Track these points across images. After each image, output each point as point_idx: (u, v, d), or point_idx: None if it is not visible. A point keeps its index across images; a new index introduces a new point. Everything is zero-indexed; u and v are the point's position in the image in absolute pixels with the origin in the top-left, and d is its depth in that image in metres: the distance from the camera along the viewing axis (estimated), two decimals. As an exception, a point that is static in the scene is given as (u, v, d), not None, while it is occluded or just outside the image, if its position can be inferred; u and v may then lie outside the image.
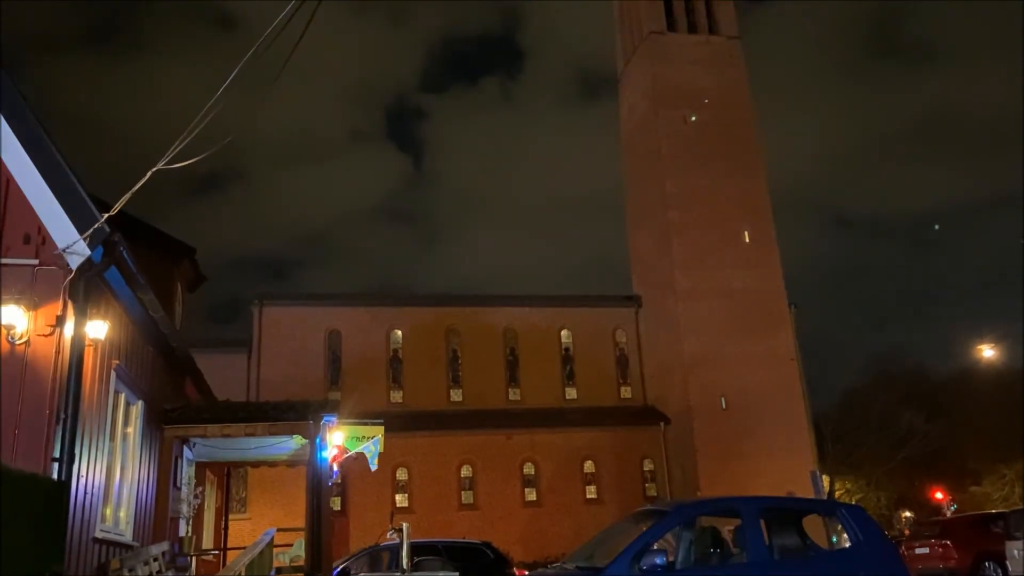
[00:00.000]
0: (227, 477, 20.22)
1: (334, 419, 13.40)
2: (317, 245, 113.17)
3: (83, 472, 8.19)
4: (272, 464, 17.36)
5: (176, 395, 14.21)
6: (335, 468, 15.64)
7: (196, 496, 14.75)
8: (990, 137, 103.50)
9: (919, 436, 37.02)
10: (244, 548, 16.52)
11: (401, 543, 9.43)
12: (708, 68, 36.15)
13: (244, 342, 32.63)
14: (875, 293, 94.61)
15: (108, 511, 9.62)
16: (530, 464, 32.28)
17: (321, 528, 12.30)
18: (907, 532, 37.00)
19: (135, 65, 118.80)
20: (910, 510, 47.62)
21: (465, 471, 31.78)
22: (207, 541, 18.17)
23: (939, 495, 42.38)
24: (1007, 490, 40.62)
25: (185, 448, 14.70)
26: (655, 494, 32.70)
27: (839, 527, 7.24)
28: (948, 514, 38.68)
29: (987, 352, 24.42)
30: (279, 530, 16.18)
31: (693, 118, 34.92)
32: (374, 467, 15.66)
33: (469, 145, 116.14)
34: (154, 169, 6.58)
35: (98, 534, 8.90)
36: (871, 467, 38.86)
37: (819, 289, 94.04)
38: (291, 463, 16.68)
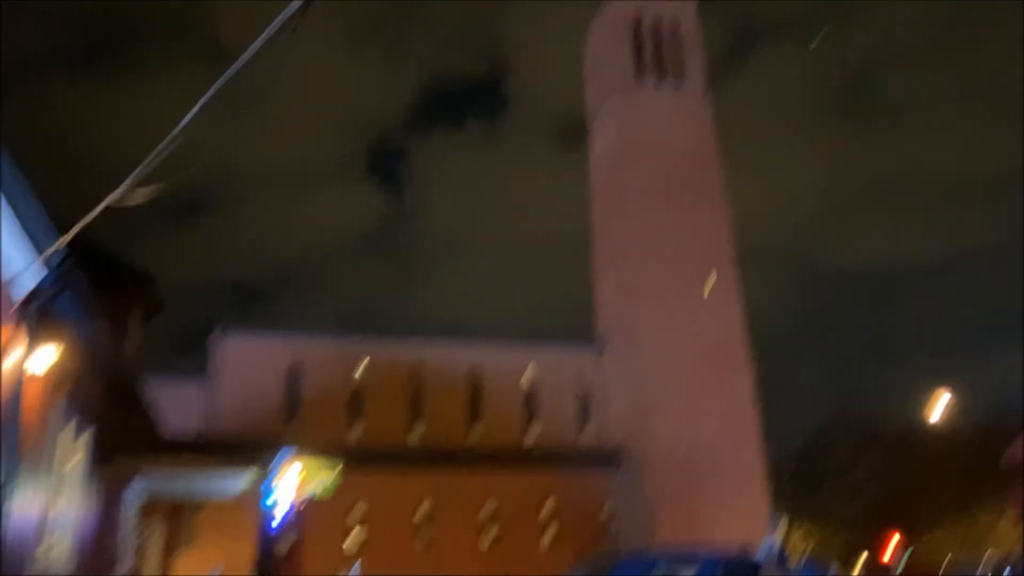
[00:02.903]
0: (175, 514, 19.63)
1: (288, 457, 13.14)
2: (293, 276, 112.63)
3: (19, 508, 7.89)
4: (221, 501, 16.94)
5: (125, 427, 13.83)
6: (287, 506, 15.28)
7: (140, 533, 14.30)
8: (951, 196, 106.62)
9: (876, 483, 37.30)
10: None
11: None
12: (676, 119, 36.83)
13: (204, 372, 32.01)
14: (838, 342, 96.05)
15: (45, 549, 9.26)
16: (489, 505, 31.86)
17: (270, 568, 11.97)
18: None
19: (125, 89, 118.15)
20: (867, 555, 47.85)
21: (423, 510, 31.26)
22: (152, 579, 17.57)
23: (894, 541, 42.65)
24: (960, 538, 41.07)
25: (133, 484, 14.29)
26: (613, 538, 32.42)
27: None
28: (902, 564, 38.98)
29: (941, 403, 24.77)
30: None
31: (660, 166, 35.43)
32: (324, 495, 15.26)
33: (450, 184, 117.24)
34: (105, 203, 6.44)
35: (34, 573, 8.56)
36: (829, 513, 39.04)
37: (783, 337, 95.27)
38: (241, 500, 16.28)
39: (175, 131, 6.62)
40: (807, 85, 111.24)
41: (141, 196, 7.17)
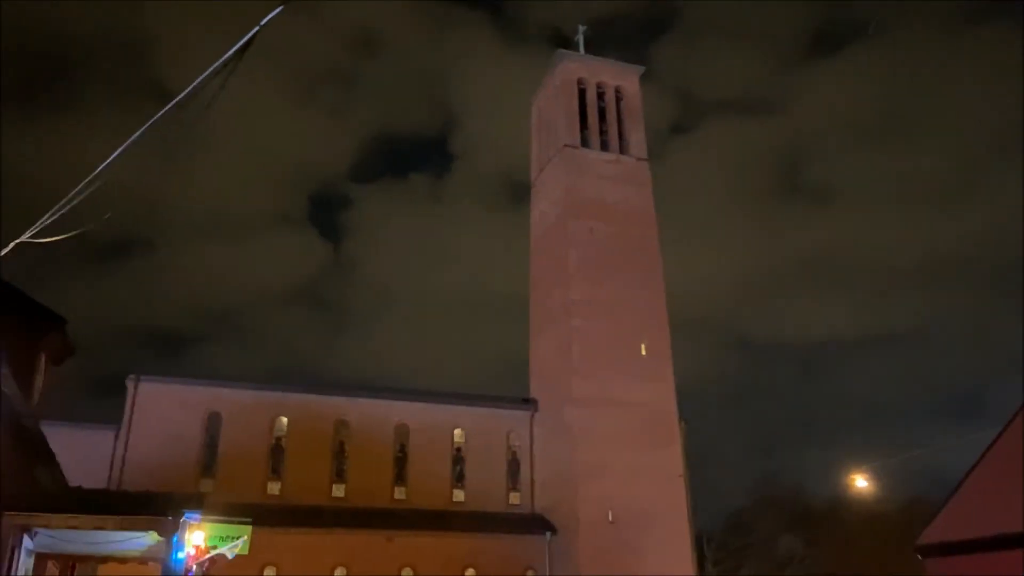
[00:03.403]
0: (72, 570, 18.35)
1: (197, 516, 12.41)
2: (221, 323, 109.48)
3: None
4: (123, 560, 15.90)
5: (22, 478, 12.92)
6: (192, 569, 14.40)
7: (30, 593, 13.25)
8: (878, 279, 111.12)
9: (797, 561, 37.55)
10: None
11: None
12: (617, 184, 37.59)
13: (115, 420, 30.52)
14: (765, 415, 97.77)
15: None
16: (409, 569, 30.83)
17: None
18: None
19: (58, 127, 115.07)
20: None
21: (339, 572, 30.05)
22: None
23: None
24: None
25: (25, 537, 13.30)
26: (536, 608, 31.69)
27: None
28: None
29: (860, 482, 25.11)
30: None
31: (599, 230, 35.96)
32: (231, 556, 14.40)
33: (391, 237, 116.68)
34: (16, 242, 6.04)
35: None
36: (751, 589, 39.07)
37: (712, 408, 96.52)
38: (144, 560, 15.31)
39: (95, 172, 6.28)
40: (745, 162, 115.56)
41: (55, 235, 6.78)
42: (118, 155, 6.27)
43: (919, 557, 21.95)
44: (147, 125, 5.82)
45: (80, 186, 6.46)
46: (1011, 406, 23.63)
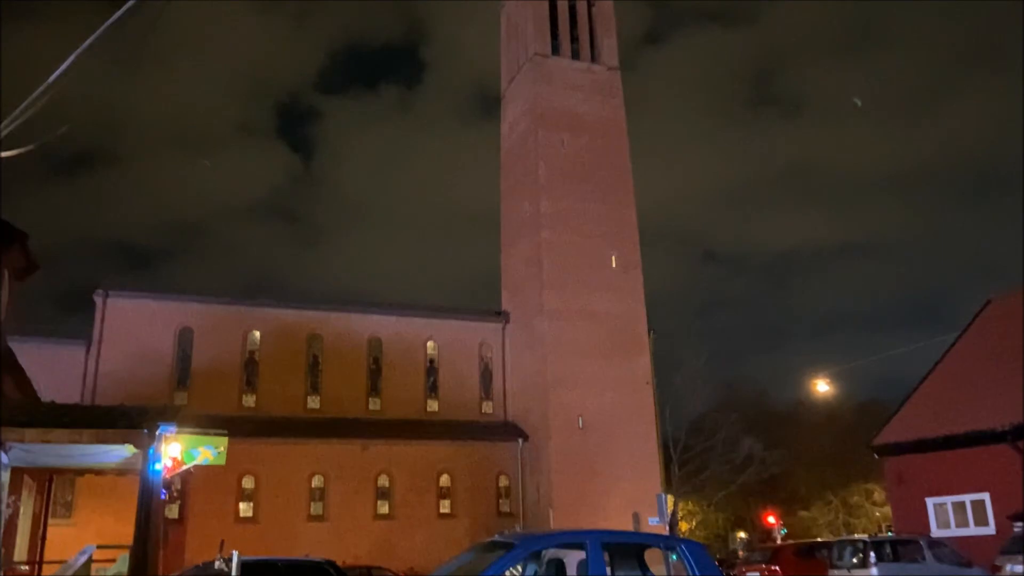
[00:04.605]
0: (49, 483, 18.62)
1: (172, 428, 12.55)
2: (189, 238, 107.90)
3: None
4: (99, 472, 16.14)
5: (-7, 393, 12.94)
6: (170, 481, 14.69)
7: (8, 505, 13.45)
8: (846, 189, 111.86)
9: (757, 462, 39.09)
10: (64, 561, 15.23)
11: (229, 573, 8.85)
12: (588, 94, 37.04)
13: (85, 335, 30.36)
14: (733, 324, 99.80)
15: None
16: (385, 476, 31.70)
17: (147, 547, 11.47)
18: (741, 553, 39.05)
19: (14, 33, 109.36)
20: (745, 532, 50.37)
21: (316, 482, 30.80)
22: (20, 552, 16.63)
23: (771, 519, 45.04)
24: (832, 515, 43.69)
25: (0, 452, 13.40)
26: (508, 510, 32.88)
27: (679, 562, 7.43)
28: (779, 539, 41.12)
29: (821, 386, 25.98)
30: (100, 547, 15.02)
31: (569, 141, 35.64)
32: (213, 464, 14.54)
33: (361, 149, 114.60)
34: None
35: None
36: (713, 490, 40.73)
37: (680, 317, 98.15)
38: (121, 472, 15.54)
39: (48, 81, 6.10)
40: (718, 73, 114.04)
41: (10, 150, 6.60)
42: (69, 63, 6.08)
43: (875, 456, 23.06)
44: (96, 34, 5.64)
45: (32, 97, 6.28)
46: (969, 314, 24.49)
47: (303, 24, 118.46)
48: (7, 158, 6.57)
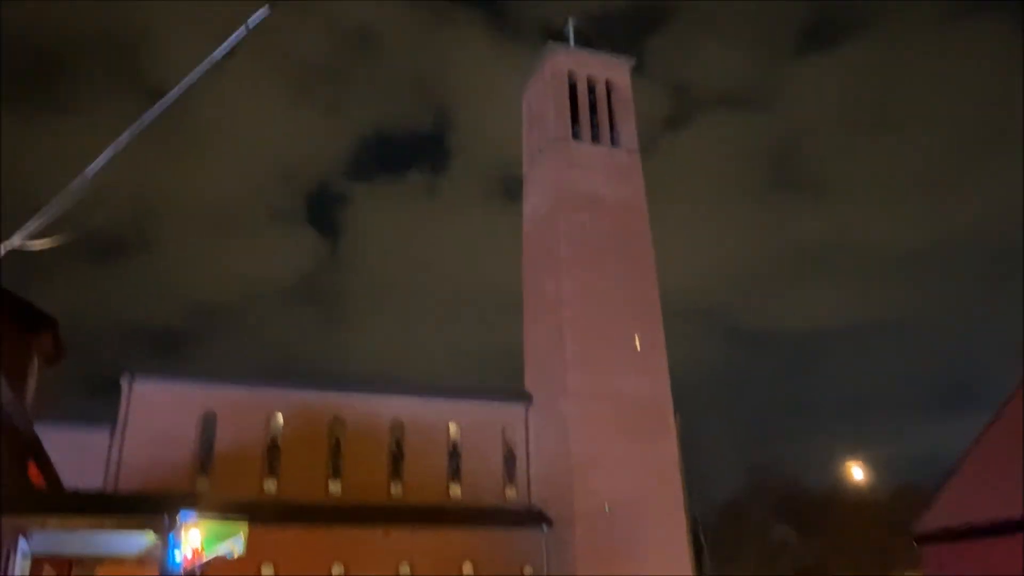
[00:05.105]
0: (68, 572, 18.33)
1: (193, 514, 12.39)
2: (217, 321, 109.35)
3: None
4: (120, 561, 15.88)
5: (17, 479, 12.90)
6: (192, 566, 14.39)
7: (27, 595, 13.23)
8: (871, 267, 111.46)
9: (791, 549, 37.77)
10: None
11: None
12: (609, 176, 37.59)
13: (110, 419, 30.44)
14: (758, 403, 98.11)
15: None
16: (406, 564, 30.89)
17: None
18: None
19: (51, 127, 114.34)
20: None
21: (336, 569, 30.07)
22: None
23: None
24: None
25: (21, 540, 13.27)
26: (534, 600, 31.78)
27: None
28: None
29: (856, 472, 25.30)
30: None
31: (591, 222, 35.98)
32: (238, 554, 14.31)
33: (388, 233, 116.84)
34: (7, 249, 6.00)
35: None
36: (746, 578, 39.28)
37: (705, 398, 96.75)
38: (142, 560, 15.29)
39: (84, 173, 6.25)
40: (738, 156, 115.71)
41: (47, 241, 6.74)
42: (107, 156, 6.25)
43: (916, 544, 22.10)
44: (134, 126, 5.81)
45: (70, 187, 6.44)
46: (1001, 394, 23.81)
47: (334, 114, 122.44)
48: (40, 248, 6.70)
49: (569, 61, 39.35)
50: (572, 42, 40.59)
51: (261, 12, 5.33)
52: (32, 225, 6.29)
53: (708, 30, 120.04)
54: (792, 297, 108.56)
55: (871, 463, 29.59)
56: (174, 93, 5.13)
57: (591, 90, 39.43)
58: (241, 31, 5.05)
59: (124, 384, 30.62)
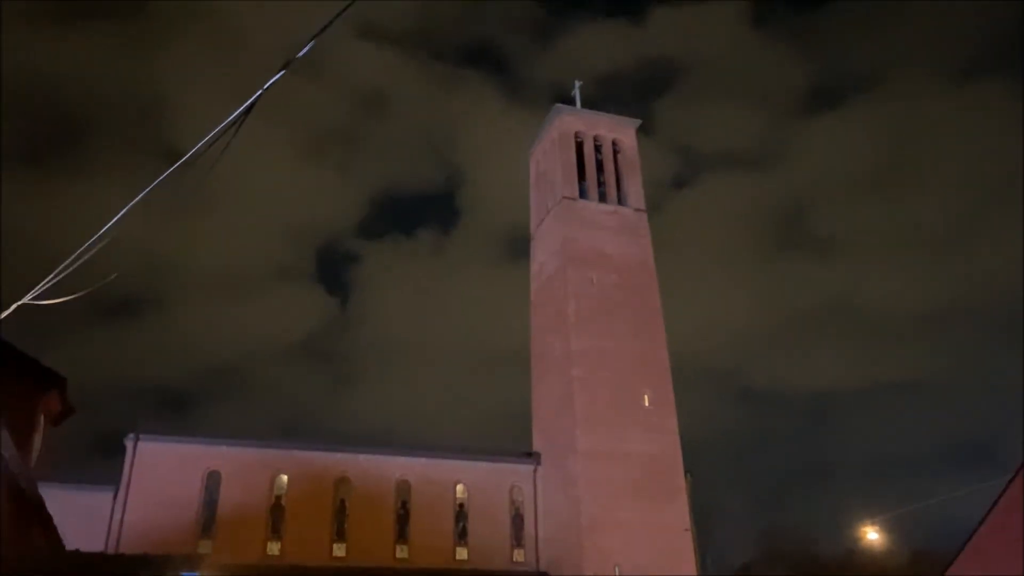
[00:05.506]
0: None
1: (196, 578, 12.17)
2: (224, 380, 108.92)
3: None
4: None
5: (20, 542, 12.71)
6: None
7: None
8: (884, 327, 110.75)
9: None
10: None
11: None
12: (616, 234, 37.79)
13: (115, 479, 30.16)
14: (770, 465, 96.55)
15: None
16: (412, 630, 30.13)
17: None
18: None
19: (68, 187, 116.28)
20: None
21: (341, 635, 29.35)
22: None
23: None
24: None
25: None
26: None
27: None
28: None
29: (871, 535, 24.77)
30: None
31: (599, 280, 36.03)
32: None
33: (396, 291, 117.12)
34: (18, 304, 6.05)
35: None
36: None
37: (716, 459, 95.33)
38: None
39: (97, 235, 6.32)
40: (746, 215, 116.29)
41: (58, 295, 6.79)
42: (121, 217, 6.32)
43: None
44: (151, 187, 5.88)
45: (83, 247, 6.49)
46: (1018, 455, 23.41)
47: (345, 173, 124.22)
48: (53, 305, 6.73)
49: (576, 121, 40.00)
50: (579, 103, 41.32)
51: (275, 77, 5.45)
52: (45, 283, 6.34)
53: (714, 91, 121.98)
54: (804, 357, 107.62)
55: (886, 526, 28.96)
56: (193, 152, 5.22)
57: (598, 150, 39.96)
58: (258, 94, 5.17)
59: (128, 444, 30.44)
